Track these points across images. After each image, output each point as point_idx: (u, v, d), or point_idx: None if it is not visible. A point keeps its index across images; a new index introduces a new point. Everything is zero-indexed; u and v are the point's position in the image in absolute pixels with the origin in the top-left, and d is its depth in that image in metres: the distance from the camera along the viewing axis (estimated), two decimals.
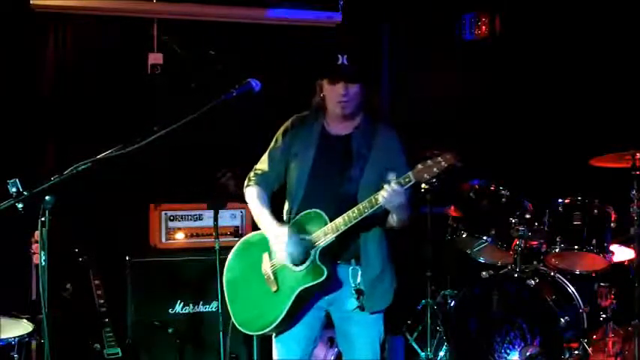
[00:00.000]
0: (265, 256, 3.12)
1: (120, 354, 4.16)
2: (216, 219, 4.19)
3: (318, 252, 2.96)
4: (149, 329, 4.43)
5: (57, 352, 2.66)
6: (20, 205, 2.34)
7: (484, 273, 4.61)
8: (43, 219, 2.36)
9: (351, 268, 3.03)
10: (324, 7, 5.51)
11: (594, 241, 4.46)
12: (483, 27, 5.95)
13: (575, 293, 4.39)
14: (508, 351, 4.26)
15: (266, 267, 3.10)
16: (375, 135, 3.14)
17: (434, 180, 2.81)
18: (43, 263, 2.43)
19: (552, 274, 4.51)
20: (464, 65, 6.04)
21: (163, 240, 4.72)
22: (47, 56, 5.22)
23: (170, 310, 4.53)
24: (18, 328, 3.78)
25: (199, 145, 5.11)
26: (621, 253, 4.68)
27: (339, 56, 3.01)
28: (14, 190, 2.34)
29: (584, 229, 4.49)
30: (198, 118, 2.69)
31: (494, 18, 5.99)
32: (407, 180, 2.80)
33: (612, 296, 4.61)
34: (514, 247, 4.53)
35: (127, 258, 4.49)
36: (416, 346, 5.19)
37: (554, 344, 4.15)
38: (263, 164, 3.27)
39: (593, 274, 4.66)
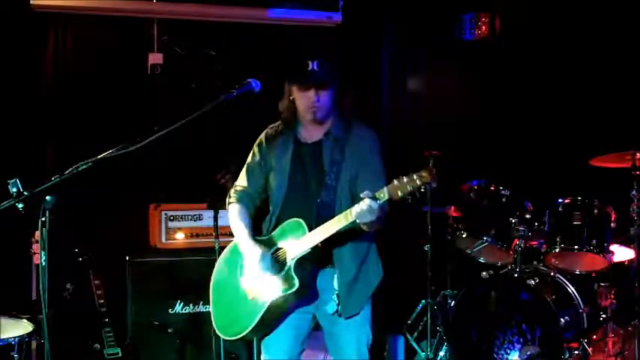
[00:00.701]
0: (246, 264, 3.12)
1: (120, 354, 4.17)
2: (216, 219, 4.19)
3: (294, 262, 2.94)
4: (149, 329, 4.43)
5: (57, 352, 2.65)
6: (21, 205, 2.34)
7: (484, 273, 4.61)
8: (43, 219, 2.36)
9: (332, 272, 3.03)
10: (324, 7, 5.51)
11: (594, 241, 4.46)
12: (483, 27, 5.95)
13: (575, 293, 4.39)
14: (508, 351, 4.26)
15: (246, 275, 3.10)
16: (348, 138, 3.10)
17: (409, 198, 2.66)
18: (44, 263, 2.43)
19: (552, 274, 4.51)
20: (464, 65, 6.04)
21: (163, 240, 4.72)
22: (47, 56, 5.21)
23: (170, 310, 4.53)
24: (18, 328, 3.78)
25: (199, 145, 5.11)
26: (621, 253, 4.68)
27: (309, 62, 2.99)
28: (15, 190, 2.34)
29: (584, 229, 4.49)
30: (199, 118, 2.68)
31: (495, 18, 5.99)
32: (381, 196, 2.74)
33: (612, 296, 4.60)
34: (514, 247, 4.53)
35: (127, 258, 4.49)
36: (416, 346, 5.19)
37: (554, 344, 4.15)
38: (242, 180, 3.27)
39: (593, 274, 4.66)
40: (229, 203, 3.28)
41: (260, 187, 3.25)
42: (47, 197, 2.36)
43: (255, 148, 3.25)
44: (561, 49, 5.69)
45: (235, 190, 3.28)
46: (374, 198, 2.73)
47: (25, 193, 2.35)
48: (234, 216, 3.22)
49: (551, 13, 5.73)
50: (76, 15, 5.19)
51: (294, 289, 2.91)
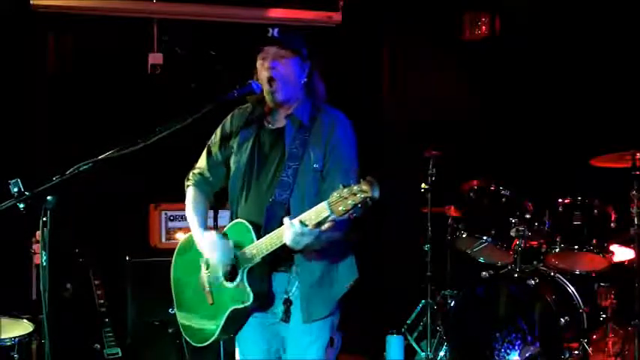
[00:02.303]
0: (203, 263, 2.88)
1: (120, 354, 4.17)
2: (216, 219, 4.18)
3: (246, 271, 2.68)
4: (149, 329, 4.42)
5: (57, 352, 2.65)
6: (22, 205, 2.34)
7: (484, 273, 4.61)
8: (44, 219, 2.36)
9: (290, 275, 2.76)
10: (324, 7, 5.51)
11: (594, 241, 4.47)
12: (483, 27, 5.96)
13: (575, 293, 4.39)
14: (508, 351, 4.26)
15: (203, 276, 2.88)
16: (315, 126, 2.78)
17: (353, 213, 2.34)
18: (44, 263, 2.42)
19: (552, 274, 4.51)
20: (464, 65, 6.04)
21: (163, 240, 4.72)
22: (47, 56, 5.21)
23: (170, 310, 4.49)
24: (18, 328, 3.78)
25: (199, 145, 5.10)
26: (621, 253, 4.68)
27: (270, 29, 2.76)
28: (16, 190, 2.34)
29: (584, 229, 4.49)
30: (199, 118, 2.68)
31: (495, 18, 5.99)
32: (309, 218, 2.42)
33: (612, 296, 4.60)
34: (514, 247, 4.53)
35: (127, 258, 4.49)
36: (416, 346, 5.19)
37: (554, 344, 4.15)
38: (201, 162, 3.01)
39: (593, 274, 4.66)
40: (187, 186, 3.04)
41: (219, 171, 2.97)
42: (48, 197, 2.35)
43: (218, 129, 2.97)
44: (561, 49, 5.70)
45: (193, 173, 3.03)
46: (302, 224, 2.43)
47: (26, 193, 2.34)
48: (189, 202, 2.97)
49: (551, 13, 5.73)
50: (76, 15, 5.19)
51: (248, 304, 2.69)
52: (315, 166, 2.72)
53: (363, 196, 2.31)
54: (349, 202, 2.33)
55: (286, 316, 2.76)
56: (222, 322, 2.79)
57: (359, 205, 2.33)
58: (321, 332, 2.80)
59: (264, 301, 2.77)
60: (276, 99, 2.77)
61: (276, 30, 2.76)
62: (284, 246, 2.56)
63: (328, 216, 2.39)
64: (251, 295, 2.68)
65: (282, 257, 2.71)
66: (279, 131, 2.82)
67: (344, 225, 2.60)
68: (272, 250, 2.60)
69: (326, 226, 2.43)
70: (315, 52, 2.85)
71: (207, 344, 2.91)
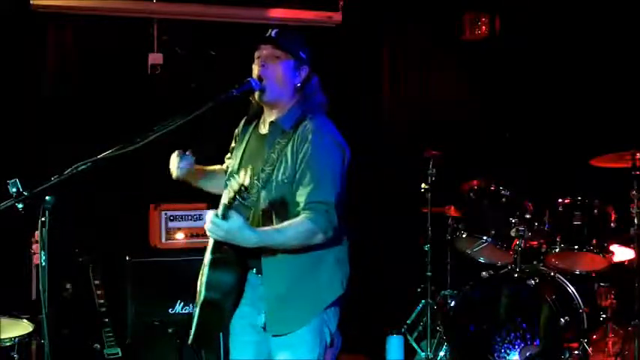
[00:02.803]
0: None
1: (120, 354, 4.16)
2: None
3: (209, 262, 2.66)
4: (149, 329, 4.42)
5: (57, 352, 2.65)
6: (20, 205, 2.33)
7: (484, 273, 4.61)
8: (43, 219, 2.36)
9: (262, 278, 2.69)
10: (324, 7, 5.51)
11: (594, 241, 4.47)
12: (483, 27, 5.95)
13: (575, 293, 4.38)
14: (508, 351, 4.26)
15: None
16: (294, 136, 2.67)
17: (234, 201, 2.38)
18: (43, 263, 2.42)
19: (552, 274, 4.51)
20: (464, 65, 6.04)
21: (163, 240, 4.72)
22: (47, 56, 5.22)
23: (170, 310, 4.52)
24: (18, 328, 3.78)
25: (199, 145, 5.10)
26: (621, 253, 4.68)
27: (270, 30, 2.74)
28: (14, 190, 2.34)
29: (584, 229, 4.49)
30: (199, 117, 2.68)
31: (494, 18, 5.99)
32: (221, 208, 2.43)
33: (612, 296, 4.60)
34: (514, 247, 4.53)
35: (127, 258, 4.49)
36: (416, 346, 5.19)
37: (554, 344, 4.15)
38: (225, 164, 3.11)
39: (593, 274, 4.66)
40: None
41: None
42: (47, 197, 2.35)
43: (234, 135, 3.03)
44: (561, 49, 5.70)
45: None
46: (216, 215, 2.45)
47: (25, 193, 2.34)
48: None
49: (551, 13, 5.73)
50: (76, 15, 5.19)
51: (201, 299, 2.65)
52: (285, 179, 2.64)
53: (237, 185, 2.34)
54: (230, 192, 2.37)
55: (264, 324, 2.71)
56: (196, 317, 2.69)
57: (235, 195, 2.36)
58: (302, 339, 2.68)
59: (232, 296, 2.68)
60: (262, 98, 2.74)
61: (275, 31, 2.74)
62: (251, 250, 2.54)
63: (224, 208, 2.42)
64: (203, 294, 2.63)
65: (252, 257, 2.65)
66: (265, 136, 2.80)
67: (291, 232, 2.53)
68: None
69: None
70: (314, 55, 2.81)
71: (190, 343, 2.76)
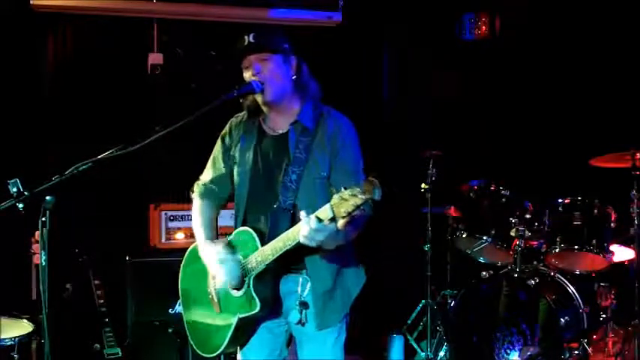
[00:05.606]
0: (210, 272, 2.88)
1: (120, 354, 4.17)
2: (216, 219, 4.18)
3: (252, 279, 2.67)
4: (149, 329, 4.42)
5: (57, 352, 2.65)
6: (21, 205, 2.34)
7: (484, 273, 4.61)
8: (43, 219, 2.36)
9: (301, 277, 2.75)
10: (324, 7, 5.51)
11: (594, 241, 4.46)
12: (483, 27, 5.96)
13: (575, 293, 4.39)
14: (508, 351, 4.26)
15: (210, 286, 2.88)
16: (318, 132, 2.75)
17: (354, 214, 2.34)
18: (44, 263, 2.43)
19: (552, 274, 4.51)
20: (464, 65, 6.04)
21: (163, 240, 4.72)
22: (47, 56, 5.22)
23: (170, 310, 4.52)
24: (18, 328, 3.78)
25: (199, 145, 5.10)
26: (621, 253, 4.68)
27: (246, 37, 2.71)
28: (15, 190, 2.34)
29: (584, 229, 4.49)
30: (199, 117, 2.68)
31: (495, 18, 5.99)
32: (325, 215, 2.39)
33: (612, 296, 4.60)
34: (514, 247, 4.53)
35: (127, 258, 4.49)
36: (416, 346, 5.20)
37: (554, 344, 4.15)
38: (206, 173, 3.01)
39: (593, 274, 4.66)
40: (192, 197, 3.03)
41: (225, 181, 2.95)
42: (47, 197, 2.35)
43: (219, 140, 2.97)
44: (561, 49, 5.70)
45: (198, 185, 3.02)
46: (318, 220, 2.40)
47: (25, 193, 2.34)
48: (194, 214, 2.97)
49: (551, 13, 5.73)
50: (76, 15, 5.19)
51: (255, 311, 2.68)
52: (322, 173, 2.72)
53: (364, 197, 2.28)
54: (350, 203, 2.31)
55: (303, 320, 2.76)
56: (230, 332, 2.78)
57: (361, 207, 2.32)
58: (338, 334, 2.82)
59: (272, 307, 2.76)
60: (265, 98, 2.73)
61: (251, 35, 2.72)
62: (294, 251, 2.56)
63: (333, 218, 2.37)
64: (258, 303, 2.67)
65: (291, 261, 2.70)
66: (283, 137, 2.79)
67: (361, 222, 2.60)
68: (278, 255, 2.58)
69: (341, 222, 2.38)
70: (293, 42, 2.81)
71: (216, 354, 2.89)
